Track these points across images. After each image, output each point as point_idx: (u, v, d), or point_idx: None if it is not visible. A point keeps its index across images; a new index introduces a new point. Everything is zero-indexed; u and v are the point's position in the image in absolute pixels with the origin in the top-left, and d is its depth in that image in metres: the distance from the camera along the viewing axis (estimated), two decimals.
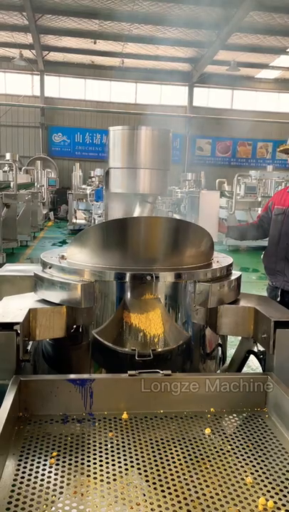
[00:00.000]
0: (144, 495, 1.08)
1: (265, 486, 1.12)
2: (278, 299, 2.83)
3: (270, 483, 1.13)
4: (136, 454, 1.24)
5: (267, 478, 1.15)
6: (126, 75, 20.58)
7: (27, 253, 10.13)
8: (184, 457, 1.24)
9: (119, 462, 1.20)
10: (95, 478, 1.13)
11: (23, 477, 1.11)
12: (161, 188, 1.96)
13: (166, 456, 1.24)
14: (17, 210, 9.81)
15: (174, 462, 1.21)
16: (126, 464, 1.19)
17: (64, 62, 20.58)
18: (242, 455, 1.25)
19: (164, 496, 1.07)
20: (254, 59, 18.90)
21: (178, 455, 1.25)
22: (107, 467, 1.18)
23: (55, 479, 1.12)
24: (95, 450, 1.25)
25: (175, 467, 1.19)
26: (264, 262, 3.08)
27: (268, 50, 17.75)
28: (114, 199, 2.07)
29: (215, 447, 1.29)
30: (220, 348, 1.90)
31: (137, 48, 18.17)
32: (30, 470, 1.14)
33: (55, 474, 1.13)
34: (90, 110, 20.66)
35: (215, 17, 14.88)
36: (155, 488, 1.10)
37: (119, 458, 1.22)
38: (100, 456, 1.22)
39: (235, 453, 1.26)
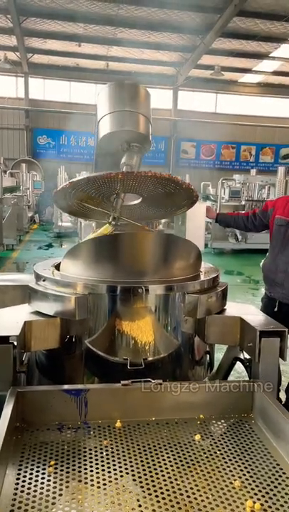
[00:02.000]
0: (138, 500, 1.14)
1: (252, 489, 1.19)
2: (275, 309, 2.82)
3: (256, 486, 1.20)
4: (130, 461, 1.30)
5: (254, 481, 1.22)
6: (111, 77, 20.63)
7: (13, 257, 10.09)
8: (176, 462, 1.30)
9: (114, 469, 1.26)
10: (92, 485, 1.19)
11: (23, 485, 1.16)
12: (146, 131, 2.06)
13: (159, 462, 1.30)
14: (3, 213, 9.76)
15: (166, 468, 1.28)
16: (121, 471, 1.25)
17: (49, 64, 20.50)
18: (230, 460, 1.32)
19: (158, 501, 1.14)
20: (237, 64, 19.15)
21: (170, 461, 1.31)
22: (103, 474, 1.24)
23: (54, 487, 1.17)
24: (90, 457, 1.31)
25: (167, 472, 1.26)
26: (263, 272, 3.01)
27: (251, 55, 18.00)
28: (104, 146, 2.14)
29: (205, 452, 1.36)
30: (208, 356, 1.97)
31: (121, 52, 18.24)
32: (30, 479, 1.19)
33: (54, 482, 1.19)
34: (74, 112, 20.63)
35: (199, 22, 15.05)
36: (150, 494, 1.16)
37: (114, 465, 1.28)
38: (96, 464, 1.28)
39: (224, 458, 1.33)
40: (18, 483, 1.17)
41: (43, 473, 1.22)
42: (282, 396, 3.15)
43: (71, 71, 20.86)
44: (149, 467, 1.27)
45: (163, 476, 1.24)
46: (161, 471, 1.26)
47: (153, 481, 1.22)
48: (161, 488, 1.19)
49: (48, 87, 21.50)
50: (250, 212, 3.22)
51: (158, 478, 1.23)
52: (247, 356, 1.82)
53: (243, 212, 3.36)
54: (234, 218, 3.24)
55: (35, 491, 1.15)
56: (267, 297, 2.99)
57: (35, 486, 1.17)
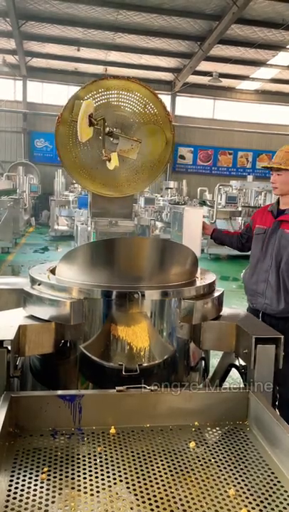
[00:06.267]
0: (132, 508, 1.13)
1: (247, 497, 1.18)
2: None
3: (251, 494, 1.19)
4: (124, 468, 1.29)
5: (249, 490, 1.21)
6: None
7: (8, 260, 10.06)
8: (170, 470, 1.29)
9: (108, 476, 1.25)
10: (85, 492, 1.18)
11: (15, 492, 1.15)
12: None
13: (153, 469, 1.29)
14: None
15: (160, 475, 1.26)
16: (114, 478, 1.24)
17: (47, 68, 20.57)
18: (225, 467, 1.31)
19: (152, 509, 1.12)
20: (235, 70, 19.28)
21: (164, 468, 1.30)
22: (96, 481, 1.22)
23: (47, 494, 1.15)
24: (84, 464, 1.29)
25: (161, 480, 1.24)
26: (245, 282, 2.99)
27: (249, 63, 18.14)
28: None
29: (199, 460, 1.34)
30: (203, 362, 1.97)
31: (120, 57, 18.32)
32: (23, 485, 1.18)
33: (47, 489, 1.17)
34: None
35: (197, 29, 15.15)
36: (143, 502, 1.15)
37: (107, 472, 1.27)
38: (90, 471, 1.27)
39: (218, 465, 1.32)
40: (10, 490, 1.15)
41: (36, 480, 1.20)
42: None
43: (70, 75, 20.91)
44: (143, 474, 1.26)
45: (157, 483, 1.23)
46: (155, 478, 1.25)
47: (147, 488, 1.20)
48: (155, 495, 1.17)
49: (46, 90, 21.54)
50: (238, 232, 3.27)
51: (152, 486, 1.21)
52: (242, 363, 1.81)
53: (233, 231, 3.41)
54: (229, 237, 3.25)
55: (27, 497, 1.13)
56: (250, 308, 2.94)
57: (28, 492, 1.15)
